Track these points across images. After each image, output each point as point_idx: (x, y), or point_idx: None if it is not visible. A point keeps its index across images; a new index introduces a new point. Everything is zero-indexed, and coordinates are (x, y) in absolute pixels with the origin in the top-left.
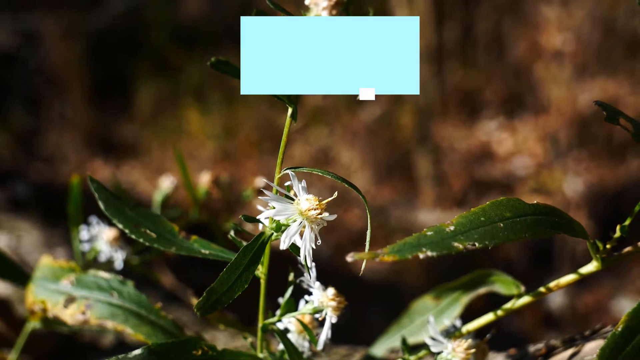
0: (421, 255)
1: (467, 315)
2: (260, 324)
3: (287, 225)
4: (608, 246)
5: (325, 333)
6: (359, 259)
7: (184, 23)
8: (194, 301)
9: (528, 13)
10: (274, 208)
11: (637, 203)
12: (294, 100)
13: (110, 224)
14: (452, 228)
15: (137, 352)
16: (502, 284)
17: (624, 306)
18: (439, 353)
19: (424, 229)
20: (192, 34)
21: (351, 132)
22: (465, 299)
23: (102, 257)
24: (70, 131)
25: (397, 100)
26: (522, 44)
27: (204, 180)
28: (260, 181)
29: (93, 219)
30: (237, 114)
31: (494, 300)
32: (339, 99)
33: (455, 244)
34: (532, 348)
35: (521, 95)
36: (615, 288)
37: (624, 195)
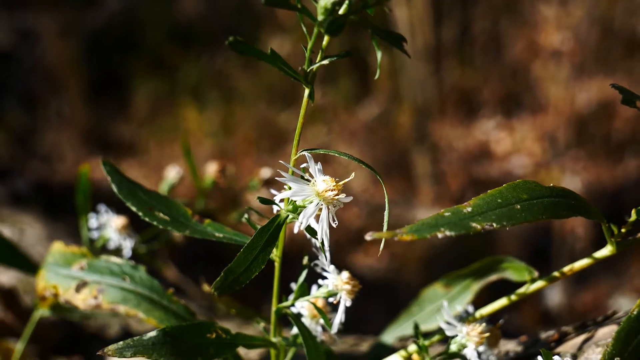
0: (439, 235)
1: (475, 304)
2: (274, 308)
3: (304, 207)
4: (623, 230)
5: (339, 316)
6: (378, 238)
7: (180, 22)
8: (206, 287)
9: (526, 12)
10: (290, 189)
11: (635, 202)
12: (311, 80)
13: (119, 212)
14: (469, 209)
15: (152, 333)
16: (514, 271)
17: (621, 305)
18: (453, 337)
19: (442, 210)
20: (188, 33)
21: (349, 131)
22: (476, 286)
23: (111, 245)
24: (67, 130)
25: (395, 99)
26: (520, 43)
27: (211, 169)
28: (266, 172)
29: (102, 207)
30: (234, 112)
31: (504, 289)
32: (338, 98)
33: (473, 225)
34: (543, 335)
35: (519, 95)
36: (613, 287)
37: (621, 194)
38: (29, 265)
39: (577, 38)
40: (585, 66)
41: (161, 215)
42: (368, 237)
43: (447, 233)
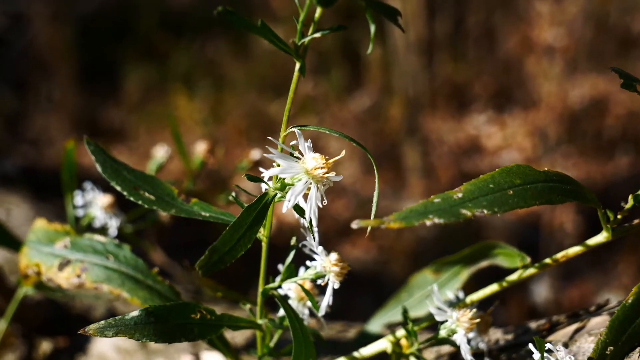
0: (428, 223)
1: (464, 291)
2: (260, 289)
3: (292, 185)
4: (619, 216)
5: (327, 299)
6: (364, 226)
7: (172, 9)
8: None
9: (520, 7)
10: (279, 166)
11: (624, 199)
12: (302, 54)
13: (105, 190)
14: (460, 195)
15: (135, 313)
16: (505, 257)
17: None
18: (442, 322)
19: (431, 196)
20: (180, 20)
21: (340, 122)
22: (466, 273)
23: (97, 223)
24: (57, 115)
25: (386, 92)
26: (514, 38)
27: (200, 149)
28: (256, 153)
29: (87, 185)
30: (225, 101)
31: (492, 277)
32: (329, 89)
33: (464, 211)
34: (533, 324)
35: (511, 90)
36: (600, 284)
37: (611, 191)
38: (15, 244)
39: (570, 34)
40: (579, 63)
41: (146, 194)
42: (354, 225)
43: (436, 220)
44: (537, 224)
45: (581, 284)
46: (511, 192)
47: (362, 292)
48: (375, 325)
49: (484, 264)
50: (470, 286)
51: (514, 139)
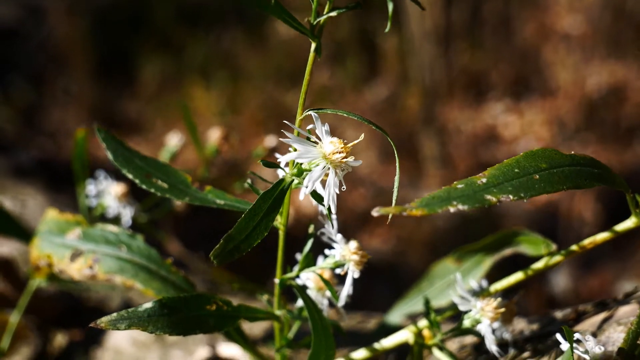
0: (452, 209)
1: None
2: (278, 279)
3: (310, 170)
4: None
5: (347, 288)
6: (385, 214)
7: (188, 0)
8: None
9: None
10: (296, 150)
11: None
12: (318, 34)
13: (118, 179)
14: (484, 180)
15: (148, 305)
16: (530, 244)
17: (628, 290)
18: (465, 312)
19: (454, 182)
20: (196, 12)
21: (357, 113)
22: (489, 261)
23: (110, 213)
24: (74, 107)
25: (403, 81)
26: (531, 26)
27: (214, 136)
28: (271, 140)
29: (100, 174)
30: (242, 92)
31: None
32: (346, 79)
33: (488, 197)
34: (559, 314)
35: (528, 78)
36: (619, 272)
37: (630, 179)
38: (28, 236)
39: (588, 21)
40: (596, 50)
41: (159, 182)
42: (375, 212)
43: (460, 207)
44: (555, 212)
45: (600, 272)
46: (537, 176)
47: (380, 283)
48: (395, 315)
49: (507, 251)
50: (492, 275)
51: (532, 128)
